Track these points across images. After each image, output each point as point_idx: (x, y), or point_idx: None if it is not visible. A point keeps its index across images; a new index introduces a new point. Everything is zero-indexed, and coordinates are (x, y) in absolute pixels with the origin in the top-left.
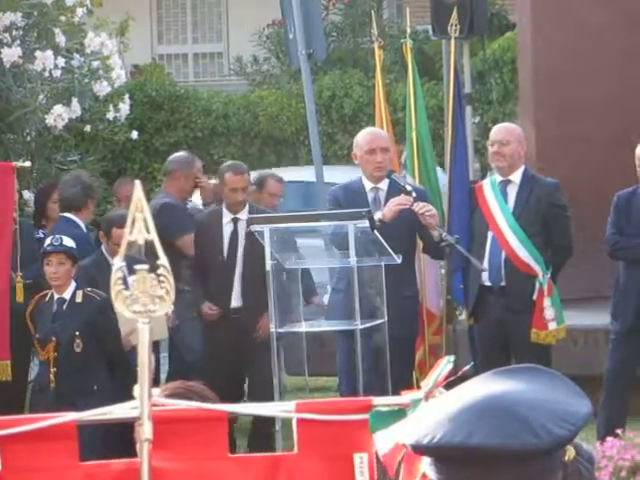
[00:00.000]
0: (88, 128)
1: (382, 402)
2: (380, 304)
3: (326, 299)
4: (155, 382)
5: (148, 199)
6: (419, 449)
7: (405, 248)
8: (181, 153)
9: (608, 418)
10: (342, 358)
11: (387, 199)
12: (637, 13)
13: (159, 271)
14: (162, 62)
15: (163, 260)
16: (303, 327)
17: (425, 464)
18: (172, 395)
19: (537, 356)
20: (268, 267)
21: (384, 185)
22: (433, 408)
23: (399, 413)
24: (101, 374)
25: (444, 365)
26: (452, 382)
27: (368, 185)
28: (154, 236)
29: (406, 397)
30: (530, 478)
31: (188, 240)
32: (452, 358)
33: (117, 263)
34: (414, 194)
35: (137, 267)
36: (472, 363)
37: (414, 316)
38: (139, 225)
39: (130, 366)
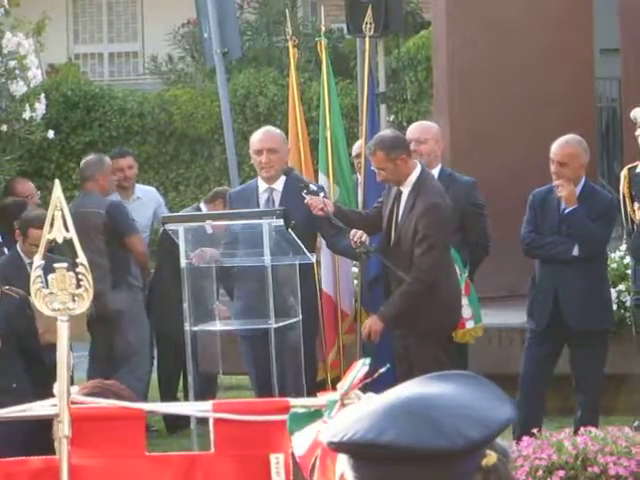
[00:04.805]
0: (4, 128)
1: (299, 403)
2: (294, 303)
3: None
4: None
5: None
6: (333, 445)
7: (305, 246)
8: (91, 156)
9: (524, 417)
10: (248, 360)
11: (283, 199)
12: (552, 12)
13: (78, 269)
14: (78, 61)
15: (82, 258)
16: (217, 326)
17: (344, 463)
18: (90, 394)
19: (454, 354)
20: (183, 265)
21: (279, 185)
22: (357, 407)
23: (316, 414)
24: (19, 372)
25: (360, 367)
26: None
27: (262, 186)
28: (73, 234)
29: (322, 398)
30: None
31: (138, 240)
32: (368, 360)
33: (36, 261)
34: (322, 194)
35: (56, 265)
36: (388, 365)
37: (312, 315)
38: (58, 224)
39: (45, 364)
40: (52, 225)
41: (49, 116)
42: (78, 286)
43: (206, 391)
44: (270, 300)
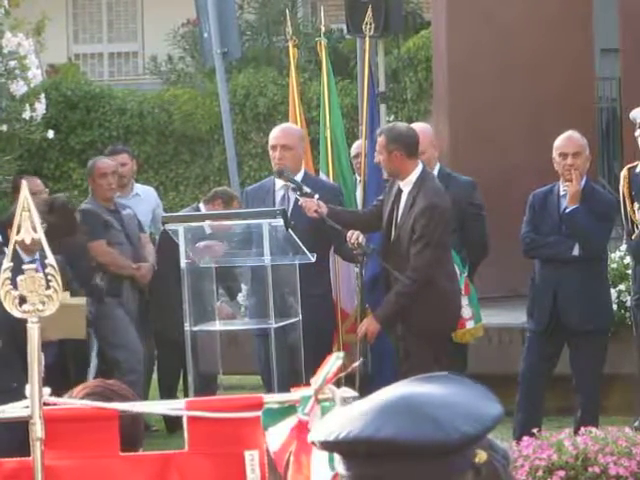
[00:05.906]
0: (5, 127)
1: (272, 399)
2: (294, 303)
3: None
4: (83, 381)
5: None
6: (327, 445)
7: (317, 247)
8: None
9: (524, 418)
10: (259, 359)
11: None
12: (552, 11)
13: (47, 270)
14: (77, 61)
15: (51, 260)
16: (217, 326)
17: (336, 461)
18: (91, 394)
19: (453, 354)
20: (183, 265)
21: None
22: (346, 408)
23: (289, 410)
24: (19, 371)
25: (333, 362)
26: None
27: (279, 183)
28: (41, 235)
29: (296, 394)
30: (438, 476)
31: (95, 246)
32: (341, 354)
33: (5, 263)
34: (316, 195)
35: (25, 267)
36: (362, 359)
37: (323, 315)
38: (27, 224)
39: (42, 364)
40: (20, 226)
41: (49, 116)
42: (47, 287)
43: (206, 391)
44: (270, 300)
